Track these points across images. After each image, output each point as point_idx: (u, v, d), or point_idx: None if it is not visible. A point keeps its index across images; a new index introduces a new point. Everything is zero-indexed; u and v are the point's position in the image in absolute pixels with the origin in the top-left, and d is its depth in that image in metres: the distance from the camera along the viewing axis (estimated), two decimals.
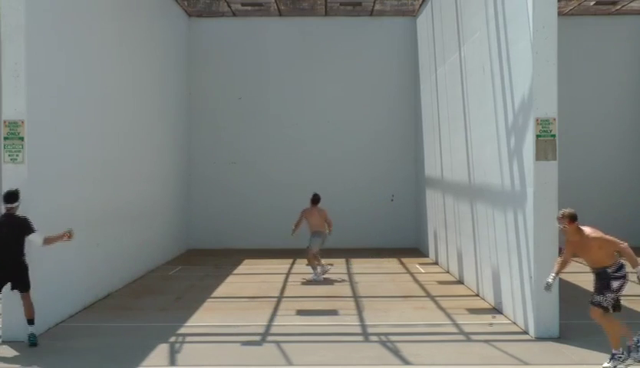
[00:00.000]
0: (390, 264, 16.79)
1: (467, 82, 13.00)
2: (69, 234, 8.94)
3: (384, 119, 20.39)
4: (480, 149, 12.03)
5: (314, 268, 14.25)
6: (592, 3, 18.39)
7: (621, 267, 7.78)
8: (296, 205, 18.63)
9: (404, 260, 17.21)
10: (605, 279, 7.65)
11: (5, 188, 9.01)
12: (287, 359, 8.08)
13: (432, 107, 17.17)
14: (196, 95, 20.36)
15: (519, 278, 9.67)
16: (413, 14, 19.96)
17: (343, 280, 14.17)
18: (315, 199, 14.81)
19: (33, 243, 8.73)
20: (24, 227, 8.64)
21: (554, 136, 9.03)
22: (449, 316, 10.40)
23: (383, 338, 9.02)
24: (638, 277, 7.54)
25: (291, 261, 17.02)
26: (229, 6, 19.32)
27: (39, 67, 9.48)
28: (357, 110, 20.38)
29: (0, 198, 8.87)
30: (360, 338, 9.18)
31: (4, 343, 8.80)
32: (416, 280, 14.07)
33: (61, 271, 10.08)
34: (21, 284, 8.65)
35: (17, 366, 7.85)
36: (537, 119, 9.01)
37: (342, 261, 17.13)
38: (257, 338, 9.12)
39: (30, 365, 7.85)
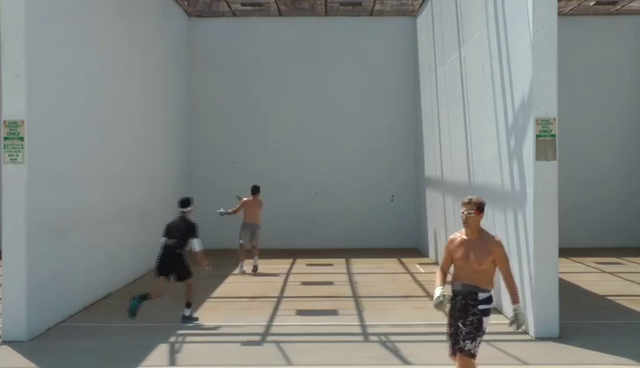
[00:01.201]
0: (390, 263, 16.79)
1: (467, 82, 13.00)
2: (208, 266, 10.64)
3: (385, 120, 20.39)
4: (480, 149, 12.04)
5: (240, 261, 15.11)
6: (592, 3, 18.38)
7: (491, 298, 6.04)
8: (296, 205, 18.71)
9: (404, 260, 17.21)
10: (476, 312, 5.89)
11: (5, 189, 9.03)
12: (287, 359, 8.08)
13: (432, 107, 17.17)
14: (196, 95, 20.36)
15: (519, 278, 9.66)
16: (413, 14, 19.97)
17: (343, 281, 14.17)
18: (255, 190, 15.37)
19: (191, 245, 10.29)
20: (191, 230, 10.34)
21: (554, 136, 9.03)
22: None
23: (383, 338, 9.02)
24: (514, 316, 5.91)
25: (291, 261, 17.02)
26: (229, 6, 19.32)
27: (39, 67, 9.48)
28: (358, 110, 20.38)
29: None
30: (360, 338, 9.18)
31: (4, 343, 8.80)
32: (416, 280, 14.07)
33: (61, 270, 10.08)
34: (184, 274, 10.32)
35: (17, 366, 7.85)
36: (537, 120, 9.01)
37: (342, 261, 17.14)
38: (257, 338, 9.12)
39: (30, 365, 7.85)
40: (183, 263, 10.30)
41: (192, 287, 10.46)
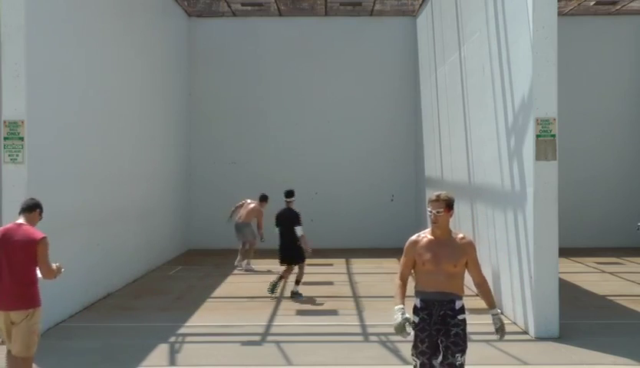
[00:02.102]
0: (390, 263, 16.79)
1: (467, 82, 13.00)
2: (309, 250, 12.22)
3: (385, 119, 20.39)
4: (480, 149, 12.03)
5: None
6: (592, 3, 18.38)
7: (464, 307, 5.47)
8: (296, 205, 18.65)
9: None
10: (458, 322, 5.34)
11: (5, 189, 9.04)
12: (287, 359, 8.09)
13: (432, 107, 17.17)
14: (196, 95, 20.36)
15: (519, 278, 9.67)
16: (413, 14, 19.96)
17: (343, 281, 14.17)
18: (262, 198, 15.79)
19: (297, 232, 11.89)
20: (295, 218, 11.99)
21: (554, 136, 9.03)
22: None
23: (383, 338, 9.02)
24: (500, 324, 5.44)
25: None
26: (229, 6, 19.31)
27: (39, 67, 9.49)
28: (357, 110, 20.38)
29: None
30: (360, 338, 9.18)
31: (4, 343, 8.79)
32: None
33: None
34: (297, 259, 12.09)
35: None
36: (537, 120, 9.01)
37: (342, 261, 17.14)
38: (257, 338, 9.13)
39: None
40: (297, 248, 12.00)
41: (304, 269, 12.16)
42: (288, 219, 12.09)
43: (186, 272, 15.45)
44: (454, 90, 14.19)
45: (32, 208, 6.39)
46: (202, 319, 10.33)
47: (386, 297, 12.32)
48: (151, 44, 15.87)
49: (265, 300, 11.93)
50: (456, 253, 5.36)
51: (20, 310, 6.06)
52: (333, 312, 10.86)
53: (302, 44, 20.40)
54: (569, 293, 11.87)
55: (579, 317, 10.29)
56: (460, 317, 5.34)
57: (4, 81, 9.08)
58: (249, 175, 19.95)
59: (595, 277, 14.46)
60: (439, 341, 5.30)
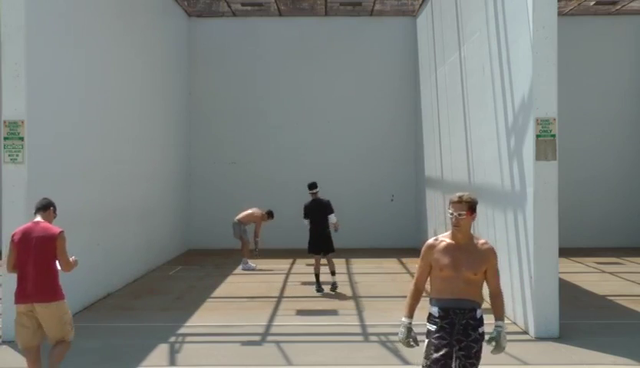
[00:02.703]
0: (390, 263, 16.79)
1: (467, 82, 13.00)
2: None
3: (385, 119, 20.39)
4: (480, 149, 12.03)
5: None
6: (592, 3, 18.38)
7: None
8: (296, 205, 18.65)
9: (404, 260, 17.21)
10: (478, 337, 4.94)
11: (5, 189, 9.04)
12: (287, 359, 8.09)
13: (432, 107, 17.17)
14: (196, 95, 20.36)
15: (519, 278, 9.67)
16: (413, 14, 19.96)
17: (343, 281, 14.16)
18: (269, 214, 16.22)
19: (330, 220, 12.53)
20: (327, 207, 12.56)
21: (554, 136, 9.03)
22: None
23: (383, 338, 9.02)
24: (498, 335, 4.98)
25: (291, 261, 17.02)
26: (229, 6, 19.31)
27: (39, 67, 9.49)
28: (358, 110, 20.38)
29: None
30: (360, 338, 9.18)
31: (4, 343, 8.80)
32: None
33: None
34: (328, 249, 12.62)
35: (17, 366, 7.85)
36: (537, 120, 9.01)
37: (342, 261, 17.13)
38: (257, 338, 9.13)
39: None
40: (329, 239, 12.53)
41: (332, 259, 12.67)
42: (319, 209, 12.58)
43: (186, 272, 15.45)
44: (454, 90, 14.18)
45: (47, 207, 6.76)
46: (202, 319, 10.33)
47: (386, 297, 12.33)
48: (151, 44, 15.87)
49: (265, 300, 11.93)
50: (477, 260, 4.99)
51: (44, 302, 6.42)
52: (333, 312, 10.86)
53: (302, 44, 20.40)
54: (569, 293, 11.87)
55: (579, 317, 10.29)
56: (480, 329, 4.96)
57: (4, 81, 9.08)
58: (249, 175, 19.95)
59: (595, 277, 14.46)
60: (455, 353, 4.88)
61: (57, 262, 6.55)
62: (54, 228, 6.58)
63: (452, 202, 5.04)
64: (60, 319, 6.54)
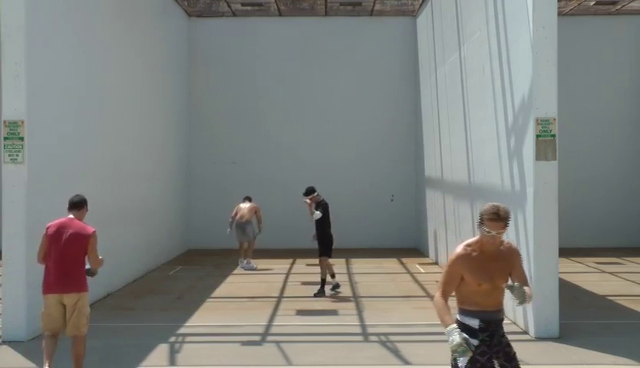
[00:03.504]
0: (390, 263, 16.79)
1: (467, 82, 13.00)
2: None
3: (384, 119, 20.39)
4: (480, 149, 12.04)
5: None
6: (592, 3, 18.39)
7: None
8: (296, 205, 18.66)
9: (404, 260, 17.21)
10: (509, 342, 4.84)
11: (5, 189, 9.04)
12: (287, 359, 8.08)
13: (432, 107, 17.17)
14: (196, 95, 20.36)
15: None
16: (413, 14, 19.97)
17: (343, 281, 14.16)
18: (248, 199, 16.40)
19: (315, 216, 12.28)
20: (328, 209, 12.46)
21: (554, 136, 9.03)
22: None
23: (383, 338, 9.02)
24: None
25: (291, 261, 17.02)
26: (229, 6, 19.32)
27: (39, 67, 9.48)
28: (358, 110, 20.38)
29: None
30: (360, 338, 9.18)
31: (4, 343, 8.80)
32: (416, 281, 14.07)
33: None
34: (326, 251, 12.38)
35: (17, 366, 7.85)
36: (537, 120, 9.01)
37: (342, 261, 17.13)
38: (257, 338, 9.12)
39: (30, 365, 7.85)
40: (328, 241, 12.43)
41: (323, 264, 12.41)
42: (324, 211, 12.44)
43: (186, 272, 15.45)
44: (454, 90, 14.18)
45: (80, 205, 7.18)
46: (202, 319, 10.33)
47: (386, 297, 12.33)
48: (151, 44, 15.87)
49: (265, 300, 11.93)
50: (506, 267, 4.78)
51: (72, 293, 6.91)
52: (333, 312, 10.86)
53: (302, 44, 20.40)
54: (569, 293, 11.87)
55: (579, 317, 10.29)
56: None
57: (4, 81, 9.08)
58: (249, 175, 19.95)
59: (595, 277, 14.46)
60: (496, 363, 4.74)
61: (86, 258, 7.04)
62: (88, 227, 7.04)
63: (489, 219, 4.61)
64: (80, 310, 6.94)
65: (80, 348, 6.97)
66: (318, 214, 12.27)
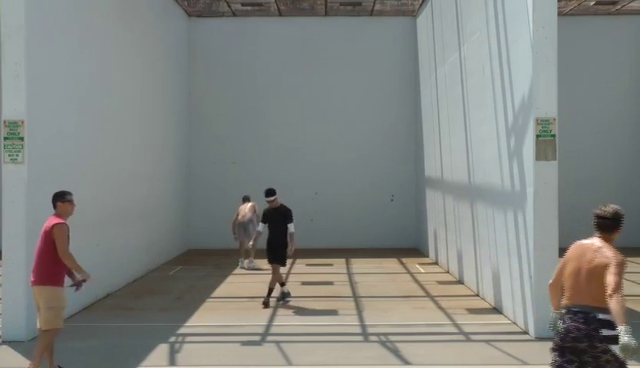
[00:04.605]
0: (390, 263, 16.79)
1: (467, 82, 13.00)
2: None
3: (385, 120, 20.39)
4: (480, 149, 12.03)
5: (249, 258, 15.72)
6: (592, 3, 18.39)
7: None
8: (296, 205, 18.67)
9: (404, 260, 17.21)
10: (613, 340, 4.70)
11: (5, 189, 9.04)
12: (287, 359, 8.08)
13: (432, 107, 17.17)
14: (196, 95, 20.37)
15: (519, 278, 9.67)
16: (413, 14, 19.97)
17: (343, 281, 14.17)
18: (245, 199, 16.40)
19: (289, 229, 11.30)
20: (286, 216, 11.37)
21: (554, 136, 9.03)
22: (449, 316, 10.40)
23: (383, 338, 9.02)
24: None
25: (291, 261, 17.02)
26: (229, 6, 19.32)
27: (39, 67, 9.48)
28: (358, 110, 20.38)
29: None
30: (360, 338, 9.18)
31: (4, 343, 8.80)
32: (416, 281, 14.07)
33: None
34: (281, 260, 11.45)
35: (17, 366, 7.85)
36: (537, 120, 9.01)
37: (342, 261, 17.14)
38: (257, 338, 9.12)
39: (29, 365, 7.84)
40: (283, 249, 11.46)
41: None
42: (278, 217, 11.46)
43: (186, 272, 15.45)
44: (454, 90, 14.19)
45: (53, 203, 7.44)
46: (202, 319, 10.33)
47: (386, 297, 12.33)
48: (151, 44, 15.87)
49: None
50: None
51: (38, 285, 7.10)
52: (333, 312, 10.86)
53: (302, 44, 20.40)
54: None
55: None
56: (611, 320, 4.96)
57: (4, 81, 9.08)
58: (249, 175, 19.94)
59: None
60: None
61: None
62: (54, 220, 7.18)
63: (615, 218, 5.44)
64: (45, 304, 7.04)
65: (40, 343, 7.09)
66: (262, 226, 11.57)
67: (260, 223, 11.80)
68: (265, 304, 11.18)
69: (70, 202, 7.49)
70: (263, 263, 16.03)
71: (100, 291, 11.90)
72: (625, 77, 19.72)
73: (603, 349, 4.77)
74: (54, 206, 7.38)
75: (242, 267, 15.77)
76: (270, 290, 11.37)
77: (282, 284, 11.75)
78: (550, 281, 5.31)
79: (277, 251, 11.48)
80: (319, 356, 8.18)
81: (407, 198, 20.26)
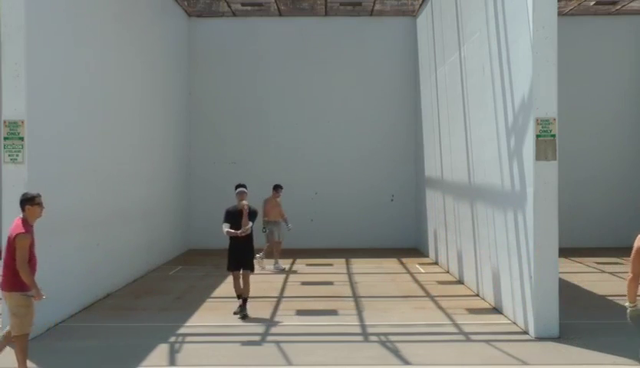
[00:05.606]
0: (390, 263, 16.79)
1: (467, 82, 13.00)
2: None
3: (385, 120, 20.39)
4: (480, 149, 12.04)
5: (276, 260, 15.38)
6: (592, 3, 18.38)
7: None
8: (296, 205, 18.68)
9: (404, 260, 17.21)
10: None
11: (5, 189, 9.03)
12: (287, 359, 8.08)
13: (432, 107, 17.17)
14: (196, 95, 20.37)
15: (519, 278, 9.67)
16: (413, 14, 19.96)
17: (343, 281, 14.17)
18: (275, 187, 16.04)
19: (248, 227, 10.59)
20: (253, 216, 10.77)
21: (554, 136, 9.03)
22: (449, 316, 10.41)
23: (383, 338, 9.02)
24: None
25: (291, 261, 17.01)
26: (229, 6, 19.32)
27: (39, 67, 9.48)
28: (358, 111, 20.38)
29: None
30: (360, 338, 9.18)
31: None
32: (416, 281, 14.07)
33: (61, 271, 10.07)
34: (249, 265, 10.68)
35: (17, 366, 7.84)
36: (537, 120, 9.01)
37: (342, 261, 17.14)
38: (257, 338, 9.13)
39: (30, 365, 7.84)
40: (251, 253, 10.85)
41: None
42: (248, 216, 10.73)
43: (186, 272, 15.45)
44: (454, 90, 14.19)
45: (21, 206, 7.27)
46: (202, 319, 10.33)
47: (386, 297, 12.33)
48: (151, 44, 15.87)
49: (265, 300, 11.92)
50: None
51: (4, 291, 7.07)
52: (333, 312, 10.86)
53: (302, 44, 20.40)
54: (569, 293, 11.87)
55: (579, 317, 10.29)
56: None
57: (4, 81, 9.08)
58: (249, 175, 19.83)
59: (595, 277, 14.46)
60: None
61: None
62: (18, 228, 7.00)
63: None
64: (10, 309, 7.04)
65: (16, 348, 7.11)
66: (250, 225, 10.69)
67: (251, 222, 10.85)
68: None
69: (40, 204, 7.28)
70: (269, 263, 16.05)
71: (100, 291, 11.90)
72: (625, 77, 19.71)
73: None
74: (22, 209, 7.19)
75: (278, 268, 15.46)
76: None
77: (244, 300, 10.62)
78: (629, 276, 5.68)
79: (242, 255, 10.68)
80: (319, 356, 8.19)
81: (407, 198, 20.26)
